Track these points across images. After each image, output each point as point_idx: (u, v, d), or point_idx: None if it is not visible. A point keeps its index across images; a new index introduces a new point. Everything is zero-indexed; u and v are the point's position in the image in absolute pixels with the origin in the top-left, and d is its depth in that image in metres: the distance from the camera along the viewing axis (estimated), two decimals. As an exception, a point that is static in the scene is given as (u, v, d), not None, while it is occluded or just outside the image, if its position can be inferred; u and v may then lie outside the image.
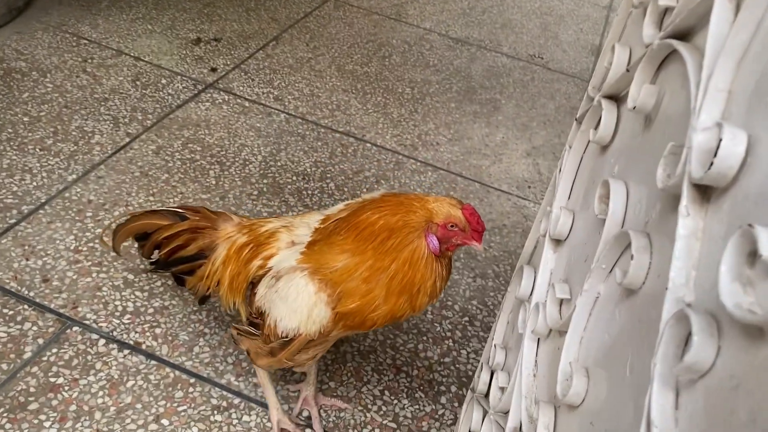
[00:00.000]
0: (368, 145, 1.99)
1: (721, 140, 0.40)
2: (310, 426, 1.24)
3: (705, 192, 0.44)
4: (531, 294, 0.85)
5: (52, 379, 1.21)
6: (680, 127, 0.52)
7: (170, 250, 1.18)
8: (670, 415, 0.41)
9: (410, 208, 0.96)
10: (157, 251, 1.21)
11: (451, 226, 0.94)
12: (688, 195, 0.43)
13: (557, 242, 0.79)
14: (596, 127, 0.70)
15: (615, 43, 0.69)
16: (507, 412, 0.83)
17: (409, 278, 0.96)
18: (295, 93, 2.16)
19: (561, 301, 0.71)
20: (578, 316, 0.63)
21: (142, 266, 1.45)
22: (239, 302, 1.12)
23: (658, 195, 0.52)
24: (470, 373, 1.39)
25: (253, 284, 1.08)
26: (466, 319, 1.52)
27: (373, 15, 2.76)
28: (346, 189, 1.80)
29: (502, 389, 0.89)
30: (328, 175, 1.84)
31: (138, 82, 2.05)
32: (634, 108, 0.58)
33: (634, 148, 0.62)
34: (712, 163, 0.40)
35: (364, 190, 1.81)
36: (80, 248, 1.47)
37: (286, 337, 1.02)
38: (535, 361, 0.77)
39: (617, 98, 0.70)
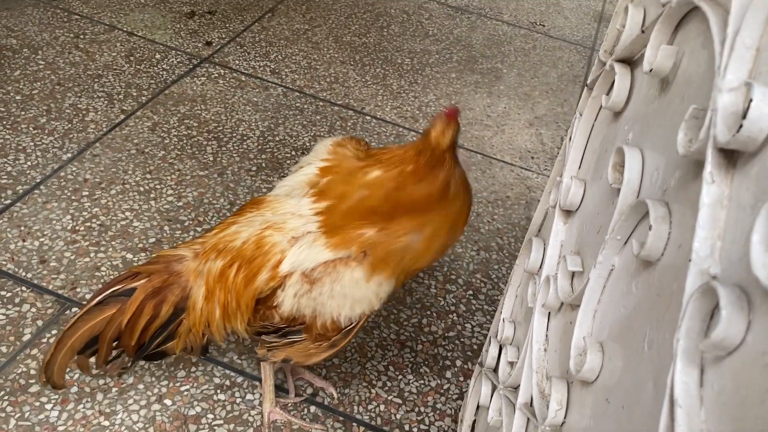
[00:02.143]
0: (368, 117, 1.96)
1: (751, 101, 0.37)
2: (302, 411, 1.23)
3: (731, 157, 0.41)
4: (541, 267, 0.82)
5: (54, 361, 1.20)
6: (702, 89, 0.49)
7: (140, 333, 0.98)
8: (695, 394, 0.38)
9: (419, 155, 0.92)
10: (116, 344, 1.01)
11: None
12: (712, 160, 0.41)
13: (568, 213, 0.77)
14: (608, 93, 0.67)
15: (628, 3, 0.66)
16: (517, 388, 0.81)
17: (455, 212, 0.96)
18: (292, 66, 2.11)
19: (573, 274, 0.69)
20: (592, 289, 0.60)
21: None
22: (239, 326, 1.01)
23: (677, 162, 0.50)
24: (475, 347, 1.38)
25: (258, 300, 0.98)
26: (470, 292, 1.50)
27: (371, -16, 2.69)
28: (346, 163, 1.77)
29: (512, 364, 0.88)
30: (328, 150, 1.80)
31: (132, 58, 2.01)
32: (651, 71, 0.55)
33: (649, 113, 0.59)
34: (741, 126, 0.37)
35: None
36: (77, 228, 1.45)
37: (351, 324, 0.98)
38: (546, 335, 0.75)
39: (631, 62, 0.66)
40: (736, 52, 0.41)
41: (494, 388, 0.93)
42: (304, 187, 1.00)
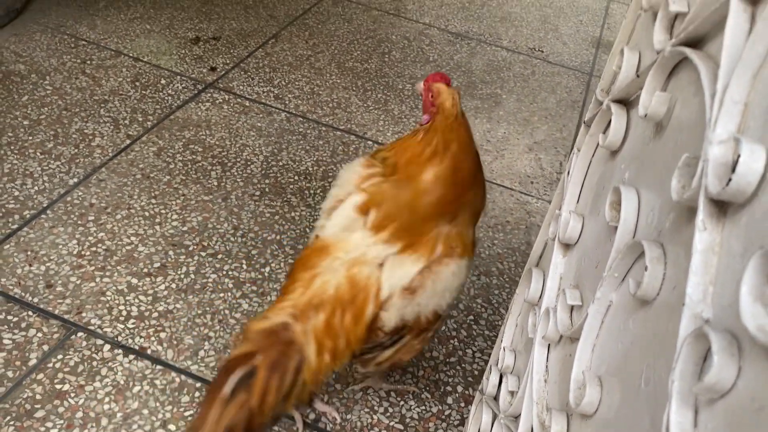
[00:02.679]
0: (369, 142, 1.99)
1: (739, 156, 0.39)
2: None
3: (722, 206, 0.43)
4: (540, 298, 0.84)
5: (58, 386, 1.21)
6: (694, 136, 0.51)
7: (271, 406, 0.95)
8: (689, 433, 0.40)
9: (444, 135, 1.00)
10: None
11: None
12: (704, 209, 0.43)
13: (567, 246, 0.79)
14: (605, 132, 0.69)
15: (624, 47, 0.69)
16: (517, 417, 0.82)
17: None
18: (296, 91, 2.15)
19: (572, 308, 0.71)
20: (590, 324, 0.62)
21: (146, 272, 1.42)
22: (345, 360, 1.03)
23: (671, 205, 0.52)
24: (476, 372, 1.39)
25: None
26: (471, 317, 1.51)
27: (372, 11, 2.74)
28: (348, 188, 1.80)
29: (512, 393, 0.89)
30: (330, 174, 1.83)
31: (137, 83, 2.04)
32: (646, 116, 0.57)
33: (645, 154, 0.62)
34: (730, 179, 0.39)
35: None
36: (83, 253, 1.47)
37: (448, 309, 1.08)
38: (546, 366, 0.77)
39: (627, 103, 0.69)
40: (725, 107, 0.43)
41: (495, 416, 0.95)
42: (358, 218, 1.03)
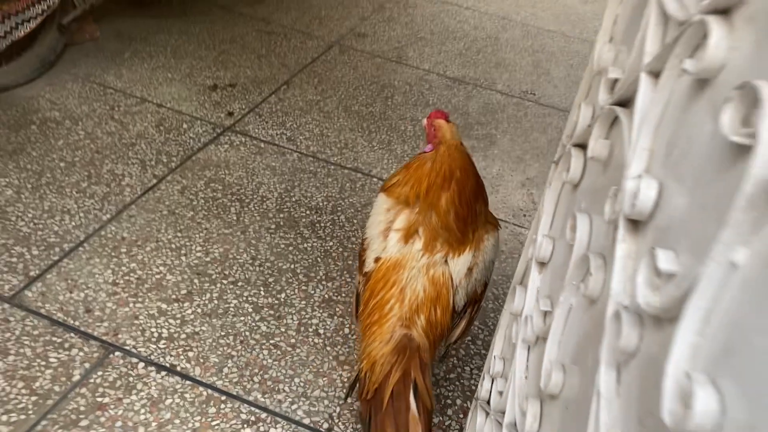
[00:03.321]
0: (375, 179, 2.16)
1: (640, 188, 0.55)
2: None
3: (636, 224, 0.59)
4: (522, 309, 0.99)
5: (99, 399, 1.36)
6: (621, 173, 0.67)
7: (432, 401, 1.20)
8: (613, 388, 0.55)
9: (450, 158, 1.28)
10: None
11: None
12: (623, 226, 0.59)
13: (542, 264, 0.95)
14: (568, 170, 0.86)
15: (582, 102, 0.86)
16: (504, 412, 0.97)
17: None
18: (306, 133, 2.33)
19: (545, 313, 0.86)
20: (556, 323, 0.78)
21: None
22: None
23: (608, 225, 0.68)
24: (473, 387, 1.53)
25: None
26: (469, 338, 1.66)
27: (376, 58, 2.95)
28: (355, 221, 1.96)
29: (501, 393, 1.04)
30: (339, 209, 2.00)
31: (161, 127, 2.23)
32: (593, 157, 0.74)
33: (596, 188, 0.78)
34: (635, 204, 0.56)
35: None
36: (117, 281, 1.63)
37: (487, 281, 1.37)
38: (526, 365, 0.92)
39: (584, 146, 0.86)
40: (636, 152, 0.60)
41: (487, 415, 1.09)
42: (405, 238, 1.28)
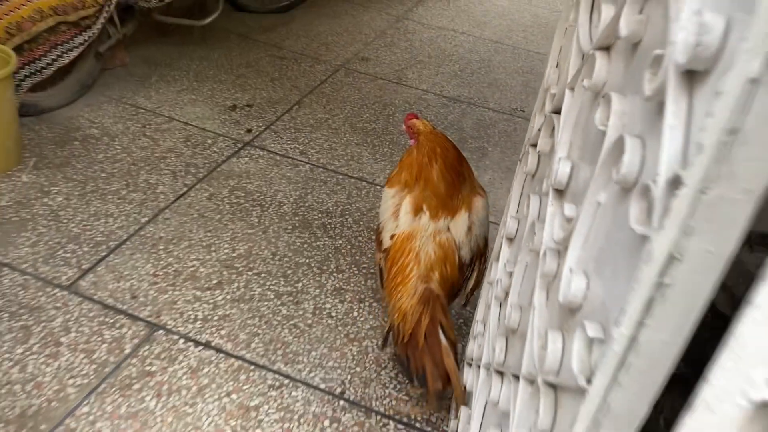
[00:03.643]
0: (378, 187, 2.42)
1: (560, 166, 0.81)
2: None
3: (559, 193, 0.85)
4: (495, 277, 1.25)
5: (147, 368, 1.61)
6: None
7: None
8: (543, 302, 0.81)
9: (429, 142, 1.62)
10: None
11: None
12: (551, 194, 0.85)
13: (510, 240, 1.21)
14: (527, 164, 1.12)
15: (537, 113, 1.12)
16: (482, 359, 1.22)
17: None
18: (317, 147, 2.61)
19: (510, 273, 1.12)
20: (516, 278, 1.03)
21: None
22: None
23: (544, 197, 0.94)
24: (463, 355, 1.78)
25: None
26: (461, 320, 1.91)
27: (378, 80, 3.24)
28: (361, 223, 2.22)
29: (480, 346, 1.29)
30: (347, 212, 2.26)
31: (189, 143, 2.50)
32: (538, 152, 1.00)
33: (541, 176, 1.04)
34: (557, 177, 0.82)
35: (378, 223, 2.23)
36: (157, 273, 1.89)
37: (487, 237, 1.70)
38: (498, 318, 1.17)
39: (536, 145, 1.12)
40: (560, 144, 0.86)
41: (470, 366, 1.34)
42: (413, 214, 1.58)
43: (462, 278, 1.57)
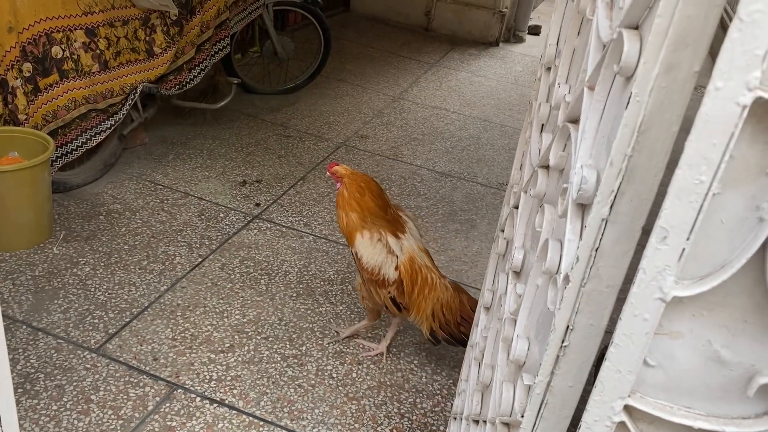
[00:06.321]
0: (376, 257, 2.65)
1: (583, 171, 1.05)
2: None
3: (583, 207, 1.08)
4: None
5: (169, 423, 1.79)
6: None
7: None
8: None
9: (353, 185, 2.00)
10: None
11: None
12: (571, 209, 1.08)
13: (487, 309, 1.43)
14: (534, 187, 1.36)
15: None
16: (463, 413, 1.42)
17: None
18: (319, 219, 2.85)
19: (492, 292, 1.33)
20: (502, 296, 1.25)
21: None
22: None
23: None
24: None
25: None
26: (451, 381, 2.10)
27: (376, 156, 3.52)
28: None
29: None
30: (347, 280, 2.48)
31: (203, 216, 2.75)
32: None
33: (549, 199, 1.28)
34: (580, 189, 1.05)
35: (374, 291, 2.45)
36: (176, 337, 2.09)
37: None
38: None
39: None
40: (580, 154, 1.09)
41: (455, 419, 1.54)
42: (395, 239, 1.98)
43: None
